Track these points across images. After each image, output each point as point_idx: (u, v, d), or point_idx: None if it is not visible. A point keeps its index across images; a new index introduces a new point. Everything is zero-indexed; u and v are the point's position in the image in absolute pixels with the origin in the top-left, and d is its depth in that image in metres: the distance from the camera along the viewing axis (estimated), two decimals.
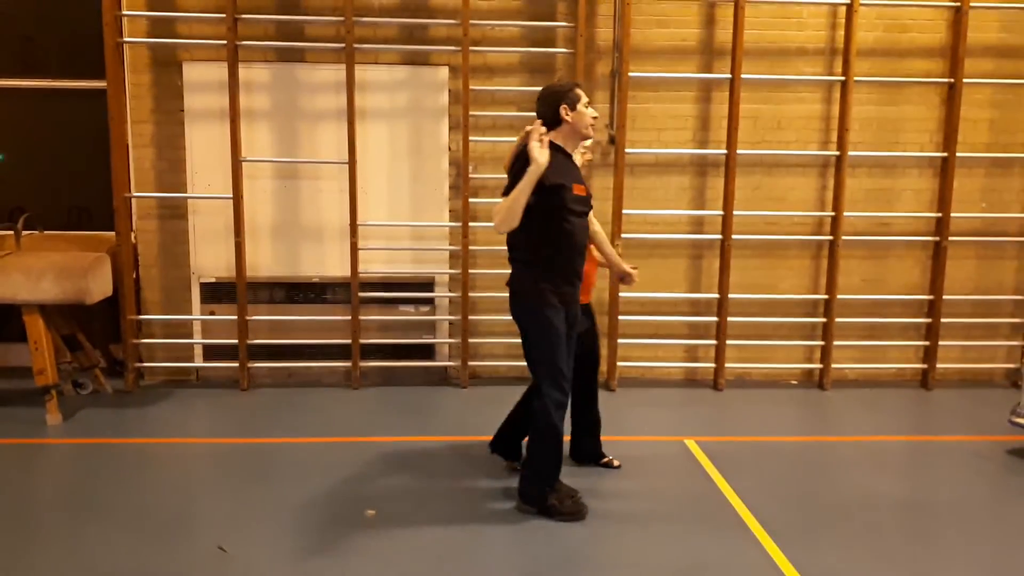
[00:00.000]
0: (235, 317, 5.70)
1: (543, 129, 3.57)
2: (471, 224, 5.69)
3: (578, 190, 3.69)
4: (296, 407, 5.39)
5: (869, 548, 3.57)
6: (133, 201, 5.71)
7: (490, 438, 4.33)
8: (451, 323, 5.98)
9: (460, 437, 4.82)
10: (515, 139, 3.90)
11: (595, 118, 3.74)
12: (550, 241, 3.64)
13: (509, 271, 3.79)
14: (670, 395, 5.77)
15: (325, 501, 3.93)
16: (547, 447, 3.73)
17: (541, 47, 5.73)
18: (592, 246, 4.14)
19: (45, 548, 3.47)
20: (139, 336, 5.76)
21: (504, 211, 3.53)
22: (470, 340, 5.83)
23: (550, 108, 3.67)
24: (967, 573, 3.41)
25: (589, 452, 4.38)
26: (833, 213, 5.84)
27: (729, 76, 5.63)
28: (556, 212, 3.60)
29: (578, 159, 3.95)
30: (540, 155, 3.47)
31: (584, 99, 3.69)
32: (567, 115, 3.66)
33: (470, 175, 5.64)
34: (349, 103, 5.47)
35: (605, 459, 4.38)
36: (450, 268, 5.90)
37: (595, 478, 4.23)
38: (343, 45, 5.46)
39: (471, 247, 5.72)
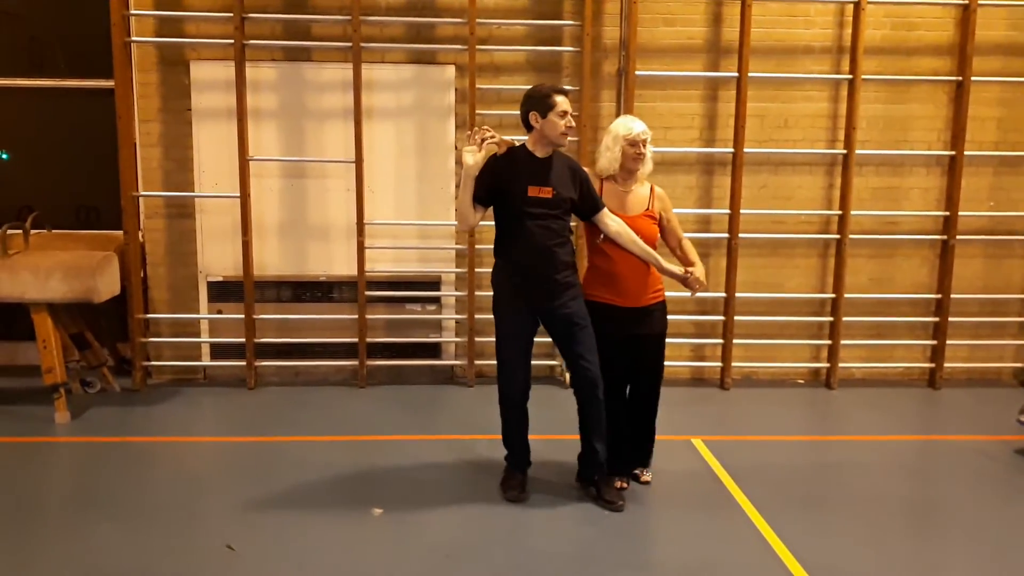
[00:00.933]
0: (242, 316, 5.72)
1: (490, 133, 3.70)
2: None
3: (536, 192, 3.70)
4: (303, 406, 5.40)
5: (875, 547, 3.56)
6: (141, 200, 5.73)
7: (494, 437, 4.23)
8: (457, 322, 5.98)
9: (466, 436, 4.83)
10: (518, 138, 3.91)
11: (570, 127, 3.72)
12: (507, 239, 3.83)
13: None
14: (676, 394, 5.73)
15: (332, 500, 3.95)
16: (503, 424, 4.05)
17: (547, 46, 5.73)
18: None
19: (52, 546, 3.49)
20: (147, 335, 5.77)
21: (456, 210, 3.75)
22: (476, 339, 5.83)
23: (523, 112, 3.77)
24: (972, 572, 3.41)
25: (627, 461, 4.10)
26: (840, 212, 5.82)
27: (736, 74, 5.61)
28: (507, 213, 3.78)
29: (607, 157, 3.86)
30: (466, 156, 3.68)
31: (560, 107, 3.68)
32: (536, 122, 3.73)
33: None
34: (356, 102, 5.48)
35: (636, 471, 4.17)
36: (456, 267, 5.90)
37: None
38: (350, 44, 5.46)
39: (477, 246, 5.71)
